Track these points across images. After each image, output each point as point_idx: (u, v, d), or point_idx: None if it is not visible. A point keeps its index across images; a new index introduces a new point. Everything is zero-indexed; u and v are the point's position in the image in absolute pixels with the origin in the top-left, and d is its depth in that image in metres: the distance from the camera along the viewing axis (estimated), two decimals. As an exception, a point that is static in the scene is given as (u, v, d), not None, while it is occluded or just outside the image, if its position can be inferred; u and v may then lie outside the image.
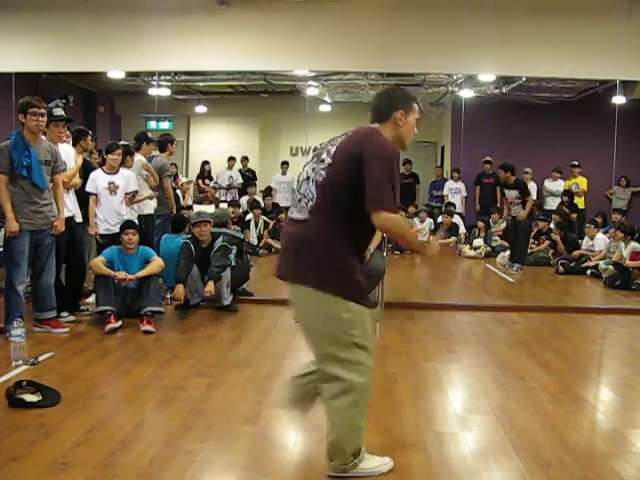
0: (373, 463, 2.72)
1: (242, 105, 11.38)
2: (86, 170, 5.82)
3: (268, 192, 11.12)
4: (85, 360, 4.29)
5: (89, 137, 6.06)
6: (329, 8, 6.43)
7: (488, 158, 10.53)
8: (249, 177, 11.25)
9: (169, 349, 4.63)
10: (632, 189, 10.01)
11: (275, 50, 6.58)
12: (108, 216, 5.84)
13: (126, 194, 5.99)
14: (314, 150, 2.78)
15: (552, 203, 10.29)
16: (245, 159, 11.50)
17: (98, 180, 5.84)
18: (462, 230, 10.75)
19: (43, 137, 4.92)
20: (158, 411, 3.43)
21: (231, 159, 11.30)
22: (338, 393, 2.55)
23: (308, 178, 2.59)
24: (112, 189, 5.85)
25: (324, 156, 2.58)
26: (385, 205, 2.43)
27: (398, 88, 2.89)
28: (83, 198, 5.73)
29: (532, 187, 10.41)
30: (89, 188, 5.80)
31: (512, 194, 8.76)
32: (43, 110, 4.70)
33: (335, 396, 2.56)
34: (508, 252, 9.26)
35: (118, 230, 5.60)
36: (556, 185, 10.35)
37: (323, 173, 2.54)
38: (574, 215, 9.87)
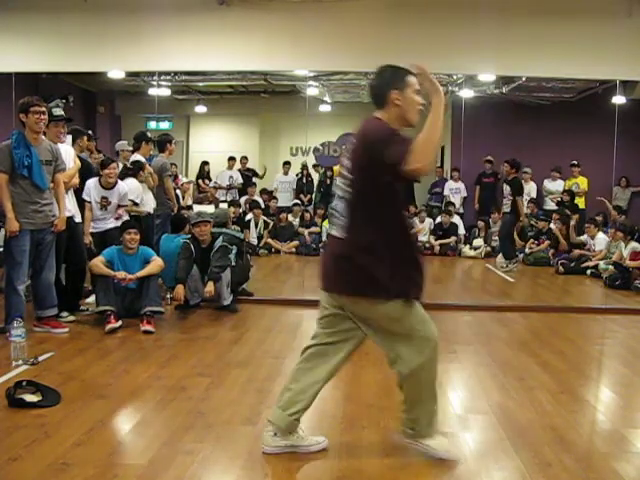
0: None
1: (242, 105, 11.37)
2: (86, 170, 5.80)
3: (270, 194, 11.12)
4: (85, 360, 4.29)
5: (85, 137, 6.05)
6: (329, 8, 6.42)
7: (489, 158, 10.53)
8: (249, 177, 11.26)
9: (169, 349, 4.63)
10: (632, 189, 10.02)
11: (275, 50, 6.58)
12: (97, 221, 5.90)
13: (120, 206, 5.97)
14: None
15: (552, 203, 10.30)
16: (245, 159, 11.50)
17: (92, 191, 5.84)
18: (462, 230, 10.75)
19: (43, 137, 4.92)
20: (158, 411, 3.42)
21: (231, 159, 11.30)
22: None
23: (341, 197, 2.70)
24: (104, 204, 5.86)
25: (344, 171, 2.70)
26: (405, 157, 2.39)
27: (388, 67, 2.69)
28: (82, 199, 5.74)
29: (532, 187, 10.44)
30: (85, 195, 5.79)
31: (507, 189, 8.86)
32: (44, 109, 4.71)
33: None
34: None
35: (107, 228, 5.79)
36: (556, 185, 10.35)
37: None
38: (576, 216, 9.86)
